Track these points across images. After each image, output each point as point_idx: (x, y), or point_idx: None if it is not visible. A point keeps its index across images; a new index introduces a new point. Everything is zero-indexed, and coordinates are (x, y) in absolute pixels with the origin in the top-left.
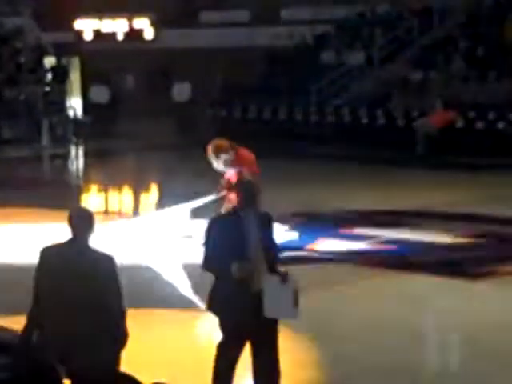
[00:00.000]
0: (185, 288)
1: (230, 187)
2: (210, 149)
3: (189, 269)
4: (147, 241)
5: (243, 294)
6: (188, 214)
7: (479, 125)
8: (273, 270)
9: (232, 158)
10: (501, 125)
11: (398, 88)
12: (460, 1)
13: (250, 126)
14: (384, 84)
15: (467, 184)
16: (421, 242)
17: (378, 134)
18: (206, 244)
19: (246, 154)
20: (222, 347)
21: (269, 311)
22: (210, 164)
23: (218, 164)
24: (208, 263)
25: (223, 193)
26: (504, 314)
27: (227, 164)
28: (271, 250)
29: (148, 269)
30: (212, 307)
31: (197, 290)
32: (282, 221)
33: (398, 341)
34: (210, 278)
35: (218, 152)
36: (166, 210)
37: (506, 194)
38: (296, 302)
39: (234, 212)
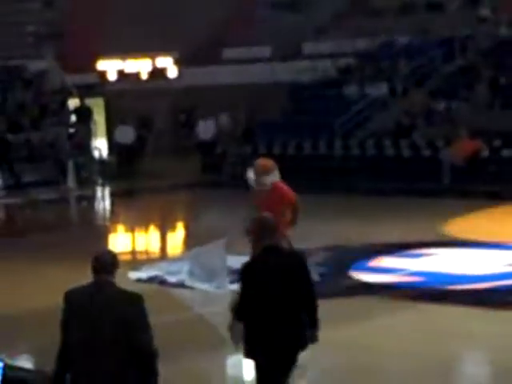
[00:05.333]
0: None
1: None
2: (257, 169)
3: None
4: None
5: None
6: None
7: (505, 153)
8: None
9: (278, 176)
10: None
11: (422, 118)
12: (482, 29)
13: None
14: (408, 115)
15: (493, 212)
16: (448, 272)
17: (404, 166)
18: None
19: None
20: None
21: None
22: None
23: (264, 181)
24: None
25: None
26: None
27: (269, 183)
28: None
29: None
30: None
31: None
32: (312, 254)
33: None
34: None
35: (265, 171)
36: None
37: None
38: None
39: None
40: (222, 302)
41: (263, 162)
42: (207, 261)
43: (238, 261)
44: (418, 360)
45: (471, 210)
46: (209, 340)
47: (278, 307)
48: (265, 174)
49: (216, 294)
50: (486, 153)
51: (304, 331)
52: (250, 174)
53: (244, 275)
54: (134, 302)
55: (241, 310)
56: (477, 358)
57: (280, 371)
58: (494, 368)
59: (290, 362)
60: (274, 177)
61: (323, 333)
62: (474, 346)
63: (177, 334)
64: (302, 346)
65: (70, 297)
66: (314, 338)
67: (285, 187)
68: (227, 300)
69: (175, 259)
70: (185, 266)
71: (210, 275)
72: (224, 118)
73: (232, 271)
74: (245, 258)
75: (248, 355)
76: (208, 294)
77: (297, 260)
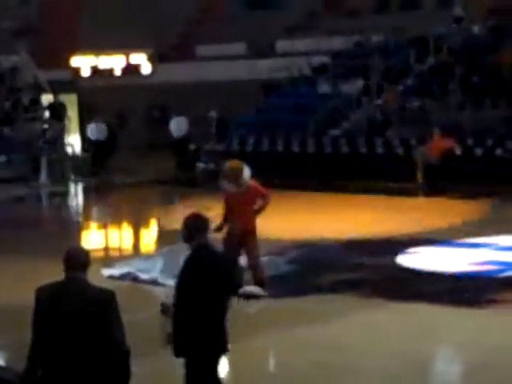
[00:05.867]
0: None
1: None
2: (229, 171)
3: None
4: None
5: None
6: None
7: (478, 152)
8: None
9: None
10: (499, 151)
11: (396, 117)
12: (455, 28)
13: (248, 159)
14: (381, 113)
15: (467, 211)
16: (419, 269)
17: (377, 164)
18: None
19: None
20: None
21: None
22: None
23: (240, 182)
24: None
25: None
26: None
27: (245, 183)
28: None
29: None
30: None
31: None
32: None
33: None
34: None
35: (240, 172)
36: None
37: (506, 220)
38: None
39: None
40: None
41: (234, 164)
42: (180, 258)
43: None
44: (393, 359)
45: (443, 209)
46: None
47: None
48: (240, 175)
49: None
50: (458, 151)
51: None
52: (224, 183)
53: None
54: (106, 298)
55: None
56: (449, 355)
57: (207, 367)
58: (470, 366)
59: (214, 360)
60: (247, 176)
61: (297, 331)
62: (447, 344)
63: (149, 331)
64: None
65: (41, 294)
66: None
67: (258, 186)
68: None
69: (148, 256)
70: (157, 264)
71: None
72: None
73: None
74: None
75: (176, 354)
76: None
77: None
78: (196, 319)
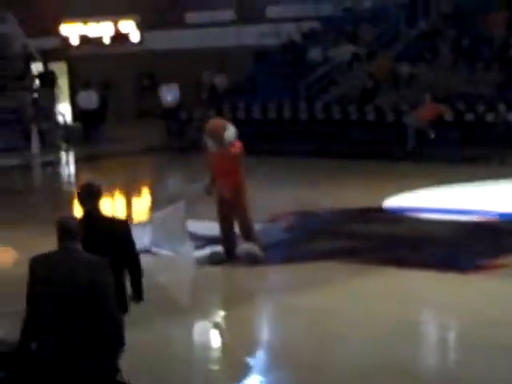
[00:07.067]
0: None
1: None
2: (212, 128)
3: None
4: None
5: None
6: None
7: (469, 117)
8: None
9: (233, 131)
10: (490, 116)
11: (387, 82)
12: None
13: (239, 126)
14: (372, 79)
15: (457, 176)
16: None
17: (368, 130)
18: None
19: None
20: None
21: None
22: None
23: (223, 140)
24: None
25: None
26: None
27: (231, 138)
28: None
29: None
30: None
31: None
32: (278, 219)
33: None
34: None
35: (222, 130)
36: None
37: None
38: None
39: None
40: (186, 268)
41: (217, 122)
42: (168, 226)
43: (200, 226)
44: (383, 325)
45: (435, 174)
46: (174, 307)
47: None
48: (222, 133)
49: (180, 260)
50: (449, 117)
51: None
52: (208, 140)
53: None
54: (100, 268)
55: None
56: (442, 322)
57: None
58: (459, 332)
59: None
60: (231, 134)
61: (289, 298)
62: (440, 310)
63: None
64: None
65: (35, 264)
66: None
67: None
68: (191, 266)
69: (137, 225)
70: (146, 233)
71: (172, 241)
72: (218, 79)
73: (195, 237)
74: (206, 223)
75: None
76: (172, 261)
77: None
78: None
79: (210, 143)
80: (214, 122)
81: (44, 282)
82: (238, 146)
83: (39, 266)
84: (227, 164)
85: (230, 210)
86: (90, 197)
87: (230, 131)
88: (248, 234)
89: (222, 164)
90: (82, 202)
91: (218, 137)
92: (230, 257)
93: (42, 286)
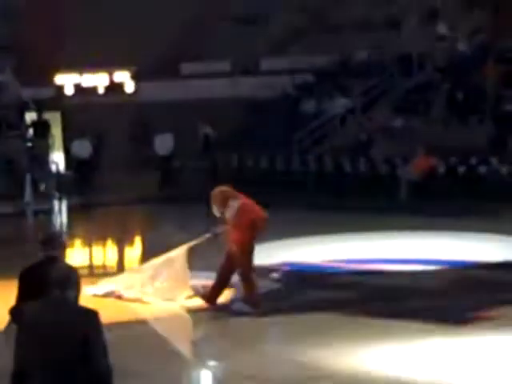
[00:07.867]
0: None
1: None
2: (217, 197)
3: None
4: None
5: None
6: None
7: (461, 170)
8: None
9: (239, 203)
10: (482, 169)
11: (380, 135)
12: (439, 46)
13: (232, 177)
14: (366, 132)
15: (451, 229)
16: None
17: (361, 183)
18: None
19: (248, 200)
20: None
21: None
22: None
23: (226, 211)
24: None
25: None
26: None
27: (234, 211)
28: None
29: None
30: None
31: None
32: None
33: None
34: None
35: (223, 206)
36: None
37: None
38: None
39: None
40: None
41: (222, 194)
42: (168, 273)
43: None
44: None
45: (426, 227)
46: (165, 355)
47: None
48: (223, 209)
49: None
50: (441, 169)
51: None
52: (215, 211)
53: None
54: (90, 320)
55: None
56: None
57: None
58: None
59: None
60: (231, 213)
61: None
62: None
63: (132, 349)
64: None
65: (26, 311)
66: None
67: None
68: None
69: (132, 273)
70: (142, 280)
71: (172, 288)
72: (208, 129)
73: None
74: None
75: None
76: (167, 309)
77: None
78: None
79: (215, 210)
80: (221, 192)
81: (31, 333)
82: (247, 218)
83: (27, 316)
84: (231, 228)
85: (233, 262)
86: (44, 244)
87: (232, 209)
88: (246, 284)
89: (229, 228)
90: (40, 249)
91: (219, 210)
92: (209, 302)
93: (28, 336)
